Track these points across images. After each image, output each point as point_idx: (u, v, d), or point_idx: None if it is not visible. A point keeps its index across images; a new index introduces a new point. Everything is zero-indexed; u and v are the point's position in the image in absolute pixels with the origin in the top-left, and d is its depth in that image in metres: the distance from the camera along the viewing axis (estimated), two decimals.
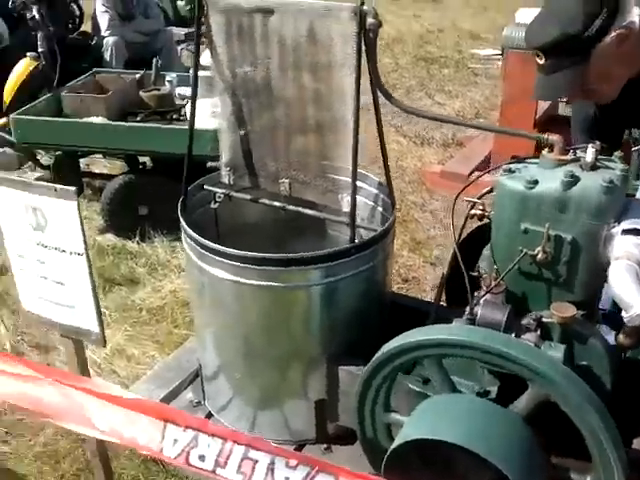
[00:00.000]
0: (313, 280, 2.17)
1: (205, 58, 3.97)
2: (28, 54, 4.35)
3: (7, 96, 4.41)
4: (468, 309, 1.82)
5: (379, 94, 1.98)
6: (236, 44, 2.13)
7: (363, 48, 1.88)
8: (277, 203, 2.32)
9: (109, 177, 4.38)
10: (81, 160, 4.37)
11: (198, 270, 2.30)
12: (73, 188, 1.64)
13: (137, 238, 4.01)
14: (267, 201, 2.35)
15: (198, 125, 3.86)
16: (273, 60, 2.07)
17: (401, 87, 6.87)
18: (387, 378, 1.90)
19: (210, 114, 3.82)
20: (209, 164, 3.00)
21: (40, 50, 4.21)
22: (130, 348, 3.20)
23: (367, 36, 1.85)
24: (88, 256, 1.72)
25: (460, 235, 1.97)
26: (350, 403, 2.09)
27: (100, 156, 4.72)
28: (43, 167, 4.29)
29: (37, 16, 4.16)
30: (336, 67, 1.96)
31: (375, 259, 2.20)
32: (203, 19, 2.17)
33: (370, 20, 1.83)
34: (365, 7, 1.82)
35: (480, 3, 10.29)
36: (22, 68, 4.37)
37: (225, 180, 2.40)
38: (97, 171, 4.77)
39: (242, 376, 2.41)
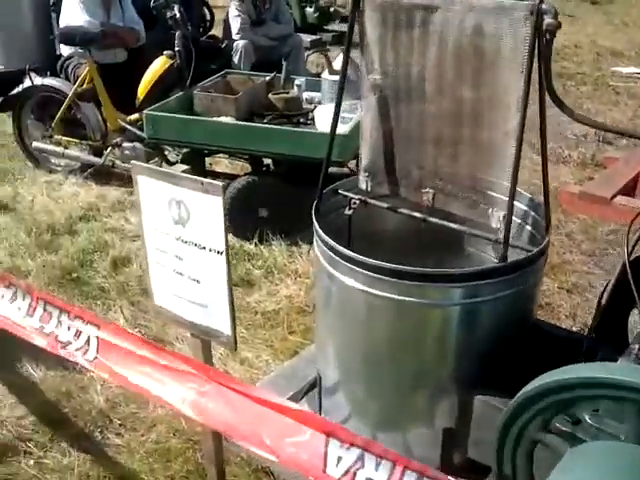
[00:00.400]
0: (452, 299, 2.01)
1: (339, 62, 3.90)
2: (165, 52, 4.39)
3: (142, 92, 4.47)
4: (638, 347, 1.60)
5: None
6: (390, 43, 1.99)
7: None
8: (418, 214, 2.17)
9: (231, 177, 4.37)
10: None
11: (328, 276, 2.18)
12: (220, 183, 1.55)
13: (255, 240, 3.95)
14: (407, 211, 2.19)
15: (323, 129, 3.83)
16: (430, 61, 1.92)
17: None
18: (537, 416, 1.69)
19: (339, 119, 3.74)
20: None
21: (176, 49, 4.24)
22: (244, 351, 3.12)
23: (542, 38, 1.67)
24: (228, 255, 1.62)
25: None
26: (483, 436, 1.91)
27: (223, 156, 4.73)
28: (170, 164, 4.33)
29: (178, 15, 4.19)
30: (501, 72, 1.78)
31: (525, 283, 2.01)
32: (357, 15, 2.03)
33: (548, 20, 1.64)
34: (544, 5, 1.63)
35: (621, 20, 9.80)
36: (158, 66, 4.42)
37: (362, 186, 2.27)
38: (219, 170, 4.78)
39: (364, 393, 2.27)
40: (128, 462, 2.54)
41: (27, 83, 4.74)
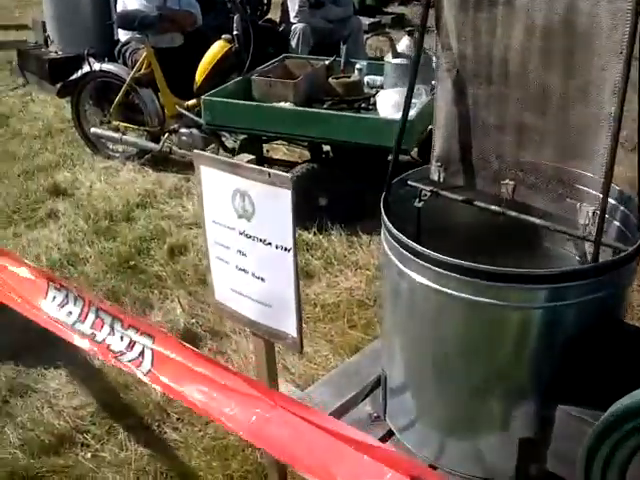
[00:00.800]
0: (534, 302, 1.84)
1: (402, 45, 3.74)
2: (223, 36, 4.29)
3: (199, 77, 4.38)
4: None
5: None
6: (470, 23, 1.83)
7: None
8: (495, 207, 2.01)
9: (289, 164, 4.26)
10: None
11: (397, 272, 2.05)
12: (289, 175, 1.42)
13: (314, 229, 3.83)
14: (483, 204, 2.03)
15: (386, 115, 3.68)
16: (514, 42, 1.75)
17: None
18: (630, 437, 1.53)
19: (401, 104, 3.58)
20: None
21: (235, 33, 4.14)
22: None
23: None
24: (296, 252, 1.50)
25: None
26: (565, 448, 1.75)
27: (280, 142, 4.63)
28: (227, 150, 4.25)
29: None
30: (596, 53, 1.61)
31: (616, 285, 1.83)
32: None
33: None
34: None
35: None
36: (216, 50, 4.32)
37: (434, 176, 2.12)
38: (277, 157, 4.67)
39: (433, 396, 2.14)
40: (185, 458, 2.47)
41: (86, 68, 4.71)
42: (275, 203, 1.46)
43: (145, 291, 3.42)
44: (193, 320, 3.21)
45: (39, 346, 2.98)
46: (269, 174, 1.43)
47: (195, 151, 1.62)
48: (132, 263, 3.65)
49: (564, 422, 1.87)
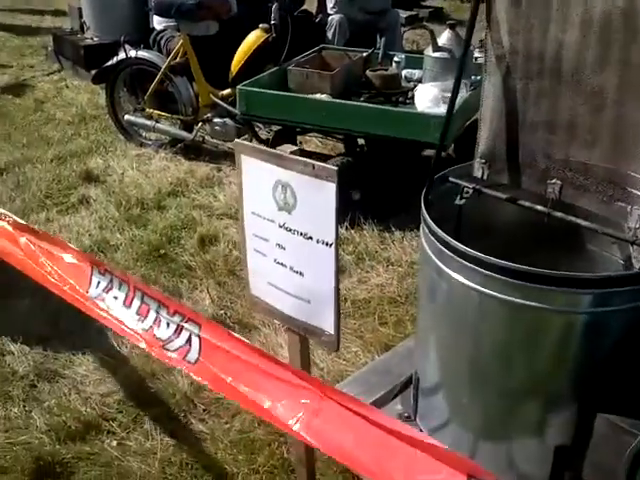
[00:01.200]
0: (579, 306, 1.79)
1: (443, 39, 3.67)
2: (260, 25, 4.25)
3: (235, 67, 4.35)
4: None
5: None
6: (523, 16, 1.76)
7: None
8: (541, 207, 1.94)
9: (323, 157, 4.22)
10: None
11: (435, 271, 2.00)
12: (334, 168, 1.38)
13: (347, 223, 3.78)
14: (528, 203, 1.97)
15: (424, 110, 3.62)
16: (569, 37, 1.69)
17: None
18: None
19: (440, 99, 3.53)
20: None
21: (272, 22, 4.09)
22: None
23: None
24: (337, 248, 1.46)
25: None
26: (604, 459, 1.70)
27: (313, 135, 4.58)
28: (261, 141, 4.21)
29: None
30: None
31: None
32: None
33: None
34: None
35: None
36: (253, 39, 4.28)
37: (478, 173, 2.07)
38: (310, 150, 4.63)
39: (467, 398, 2.09)
40: (211, 450, 2.45)
41: (121, 55, 4.70)
42: (318, 196, 1.42)
43: (174, 280, 3.40)
44: (222, 311, 3.19)
45: (68, 331, 3.00)
46: (314, 166, 1.39)
47: (236, 140, 1.58)
48: (162, 252, 3.64)
49: (603, 431, 1.82)
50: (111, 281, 1.66)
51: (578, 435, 1.90)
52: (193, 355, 1.51)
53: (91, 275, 1.70)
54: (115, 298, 1.63)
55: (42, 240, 1.88)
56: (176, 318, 1.55)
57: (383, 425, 1.24)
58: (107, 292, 1.65)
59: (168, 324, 1.55)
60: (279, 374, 1.39)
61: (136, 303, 1.60)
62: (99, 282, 1.68)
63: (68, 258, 1.79)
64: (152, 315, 1.56)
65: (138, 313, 1.59)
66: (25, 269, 1.91)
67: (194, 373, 1.51)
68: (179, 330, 1.53)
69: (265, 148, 1.53)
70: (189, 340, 1.53)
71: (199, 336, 1.52)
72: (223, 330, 1.56)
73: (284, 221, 1.53)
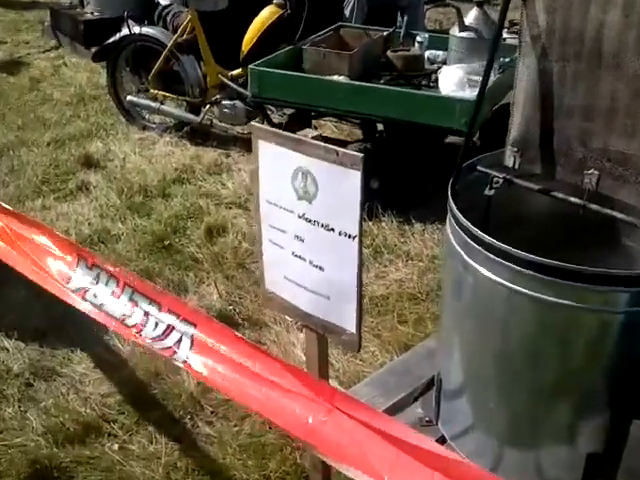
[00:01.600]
0: (615, 305, 1.81)
1: (470, 17, 3.67)
2: (274, 1, 4.26)
3: (246, 45, 4.35)
4: None
5: None
6: None
7: None
8: (576, 199, 1.95)
9: (339, 143, 4.22)
10: None
11: (462, 265, 2.02)
12: (360, 155, 1.39)
13: (364, 214, 3.78)
14: (562, 195, 1.98)
15: (448, 93, 3.62)
16: (611, 17, 1.69)
17: None
18: None
19: (466, 82, 3.53)
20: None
21: None
22: None
23: None
24: (361, 241, 1.47)
25: None
26: (638, 465, 1.71)
27: (329, 119, 4.59)
28: (273, 125, 4.22)
29: None
30: None
31: None
32: None
33: None
34: None
35: None
36: (266, 15, 4.29)
37: (509, 162, 2.08)
38: (325, 135, 4.64)
39: (493, 402, 2.11)
40: (219, 455, 2.47)
41: (124, 31, 4.71)
42: (341, 185, 1.43)
43: (180, 273, 3.43)
44: (230, 307, 3.21)
45: (65, 326, 3.00)
46: (337, 152, 1.41)
47: (253, 123, 1.60)
48: (167, 243, 3.67)
49: (638, 438, 1.83)
50: (97, 276, 1.67)
51: (611, 442, 1.92)
52: (180, 357, 1.53)
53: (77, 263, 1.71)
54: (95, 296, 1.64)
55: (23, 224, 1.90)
56: (167, 317, 1.56)
57: (402, 442, 1.25)
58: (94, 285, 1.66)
59: (157, 324, 1.57)
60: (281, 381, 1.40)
61: (123, 299, 1.62)
62: (83, 274, 1.69)
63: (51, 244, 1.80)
64: (139, 313, 1.57)
65: (125, 310, 1.60)
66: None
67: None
68: (169, 331, 1.54)
69: (285, 133, 1.55)
70: (179, 342, 1.54)
71: (192, 337, 1.54)
72: (224, 329, 1.57)
73: (304, 211, 1.54)
